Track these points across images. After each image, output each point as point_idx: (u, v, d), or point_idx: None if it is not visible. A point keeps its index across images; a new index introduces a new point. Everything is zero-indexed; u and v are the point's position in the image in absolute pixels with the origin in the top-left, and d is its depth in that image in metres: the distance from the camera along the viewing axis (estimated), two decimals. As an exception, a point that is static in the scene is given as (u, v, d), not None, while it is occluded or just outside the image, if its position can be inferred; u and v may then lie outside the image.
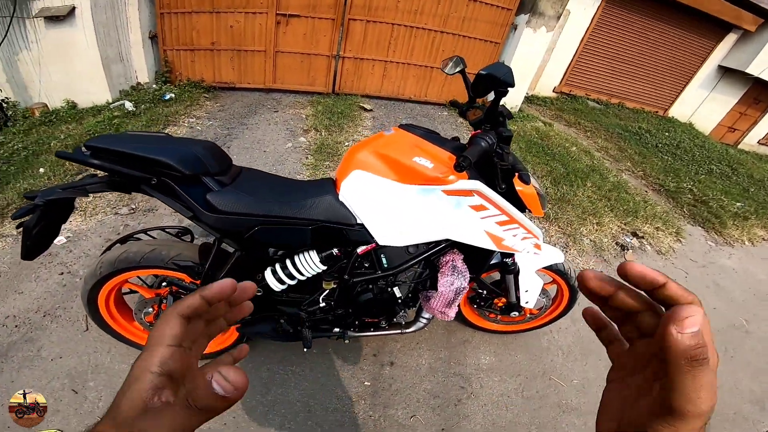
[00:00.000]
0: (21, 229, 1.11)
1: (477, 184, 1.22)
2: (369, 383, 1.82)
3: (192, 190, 1.17)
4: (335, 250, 1.33)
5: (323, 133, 3.99)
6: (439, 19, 4.89)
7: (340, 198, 1.27)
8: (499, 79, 1.03)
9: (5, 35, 3.53)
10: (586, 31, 6.38)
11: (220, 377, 0.29)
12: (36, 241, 1.15)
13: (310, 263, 1.32)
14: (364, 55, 5.00)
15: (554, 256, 1.70)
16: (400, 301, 1.50)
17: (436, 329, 2.12)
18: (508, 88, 1.07)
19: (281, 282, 1.35)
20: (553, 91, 6.92)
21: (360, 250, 1.35)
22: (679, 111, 7.79)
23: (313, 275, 1.36)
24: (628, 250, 3.12)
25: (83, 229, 2.47)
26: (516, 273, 1.65)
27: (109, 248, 1.54)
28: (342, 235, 1.30)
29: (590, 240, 3.11)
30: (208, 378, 0.29)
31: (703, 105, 7.65)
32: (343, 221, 1.27)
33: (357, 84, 5.22)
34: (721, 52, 7.09)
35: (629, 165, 4.92)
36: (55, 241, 2.31)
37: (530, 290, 1.69)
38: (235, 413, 1.62)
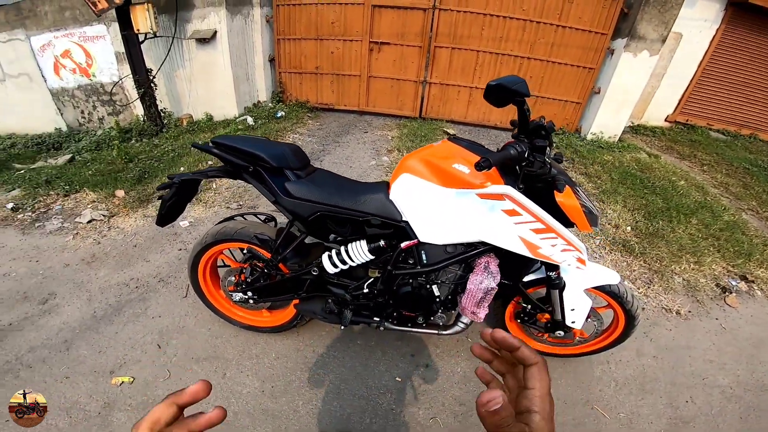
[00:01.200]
0: (160, 200, 1.61)
1: (507, 189, 1.32)
2: (400, 379, 1.92)
3: (276, 179, 1.53)
4: (382, 242, 1.53)
5: (404, 154, 4.24)
6: (525, 45, 4.88)
7: (390, 197, 1.49)
8: (509, 89, 1.13)
9: (168, 52, 4.59)
10: (705, 55, 5.66)
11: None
12: (168, 212, 1.64)
13: (360, 251, 1.53)
14: (450, 81, 5.20)
15: (607, 276, 1.64)
16: (438, 300, 1.62)
17: (478, 340, 2.13)
18: (524, 98, 1.18)
19: (334, 265, 1.59)
20: (666, 120, 6.19)
21: (403, 244, 1.51)
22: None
23: (362, 263, 1.56)
24: (731, 293, 2.69)
25: (202, 217, 3.08)
26: (561, 289, 1.63)
27: (220, 223, 1.98)
28: (388, 229, 1.50)
29: (683, 279, 2.77)
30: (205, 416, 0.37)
31: None
32: (390, 217, 1.48)
33: (443, 109, 5.43)
34: None
35: (754, 204, 4.17)
36: (181, 224, 2.97)
37: (577, 309, 1.65)
38: (274, 383, 1.85)
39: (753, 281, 2.83)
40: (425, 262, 1.56)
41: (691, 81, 5.83)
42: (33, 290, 2.32)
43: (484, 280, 1.47)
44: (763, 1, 5.06)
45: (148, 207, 3.18)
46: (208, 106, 5.04)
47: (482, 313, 1.54)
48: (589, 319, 1.74)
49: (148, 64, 4.46)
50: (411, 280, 1.60)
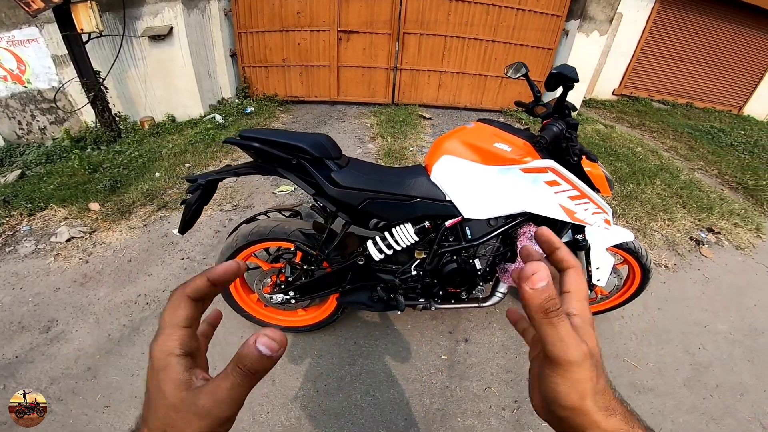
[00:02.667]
0: (184, 205, 1.50)
1: (550, 162, 1.44)
2: (446, 357, 1.97)
3: (320, 170, 1.48)
4: (427, 223, 1.57)
5: (389, 140, 4.29)
6: (489, 29, 5.07)
7: (432, 179, 1.53)
8: (567, 76, 1.30)
9: (118, 53, 4.19)
10: (643, 33, 6.25)
11: (266, 338, 0.30)
12: (192, 217, 1.53)
13: (405, 234, 1.55)
14: (420, 67, 5.28)
15: (624, 234, 1.81)
16: (479, 273, 1.68)
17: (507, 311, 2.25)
18: (575, 83, 1.32)
19: (381, 251, 1.59)
20: (613, 94, 6.78)
21: (448, 223, 1.56)
22: (755, 109, 7.28)
23: (408, 246, 1.58)
24: (703, 244, 3.04)
25: (197, 223, 2.87)
26: (587, 249, 1.75)
27: (236, 229, 1.86)
28: (434, 209, 1.53)
29: (662, 235, 3.09)
30: (252, 342, 0.30)
31: (781, 102, 7.09)
32: (435, 197, 1.52)
33: (415, 94, 5.51)
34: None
35: (702, 164, 4.71)
36: (174, 232, 2.78)
37: (602, 267, 1.78)
38: (326, 381, 1.83)
39: (719, 232, 3.22)
40: (469, 237, 1.61)
41: (632, 57, 6.41)
42: (28, 319, 2.09)
43: (533, 246, 1.57)
44: None
45: (131, 218, 2.93)
46: (168, 106, 4.69)
47: None
48: (610, 276, 1.89)
49: (95, 65, 4.04)
50: (455, 257, 1.65)
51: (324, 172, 1.48)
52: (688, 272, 2.75)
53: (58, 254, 2.57)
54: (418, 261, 1.66)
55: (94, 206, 3.01)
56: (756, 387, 1.98)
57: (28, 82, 4.48)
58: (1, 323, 2.04)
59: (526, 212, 1.55)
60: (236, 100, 5.23)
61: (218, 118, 4.62)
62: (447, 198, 1.52)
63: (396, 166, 1.83)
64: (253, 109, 4.97)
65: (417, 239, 1.57)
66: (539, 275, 0.29)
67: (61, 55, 4.18)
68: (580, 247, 1.75)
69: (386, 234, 1.59)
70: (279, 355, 0.30)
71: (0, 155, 4.34)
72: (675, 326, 2.26)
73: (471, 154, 1.48)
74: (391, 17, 4.91)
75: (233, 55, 5.14)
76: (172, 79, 4.50)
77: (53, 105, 4.50)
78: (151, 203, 3.09)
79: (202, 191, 1.47)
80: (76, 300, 2.23)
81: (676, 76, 6.78)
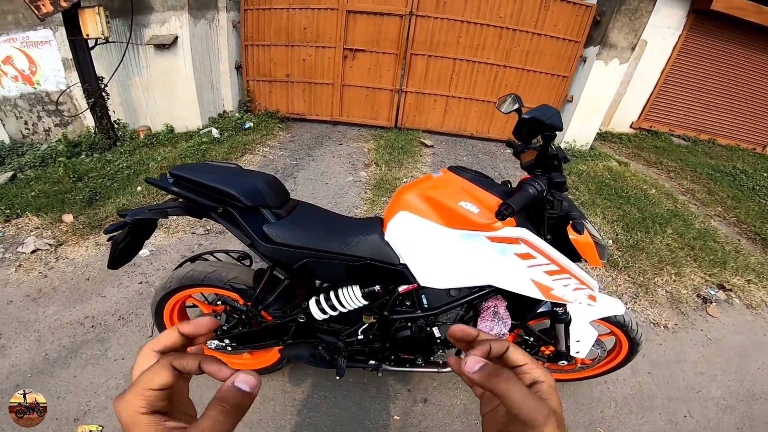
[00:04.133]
0: (111, 241, 1.34)
1: (523, 232, 1.21)
2: (398, 417, 1.83)
3: (251, 220, 1.31)
4: (377, 287, 1.39)
5: (383, 168, 4.16)
6: (501, 53, 4.92)
7: (386, 238, 1.32)
8: (545, 123, 1.03)
9: (122, 59, 4.23)
10: (668, 62, 5.96)
11: (243, 376, 0.33)
12: (121, 254, 1.37)
13: (352, 297, 1.39)
14: (426, 90, 5.16)
15: (613, 307, 1.59)
16: (438, 341, 1.51)
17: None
18: (556, 132, 1.07)
19: (323, 312, 1.43)
20: (631, 127, 6.47)
21: (401, 289, 1.38)
22: (781, 148, 6.82)
23: (354, 309, 1.42)
24: (711, 303, 2.79)
25: (165, 245, 2.81)
26: (567, 323, 1.57)
27: (180, 265, 1.75)
28: (385, 273, 1.34)
29: (666, 291, 2.85)
30: (231, 383, 0.33)
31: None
32: (387, 260, 1.31)
33: (419, 119, 5.38)
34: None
35: (720, 210, 4.39)
36: (140, 253, 2.69)
37: (582, 341, 1.60)
38: (264, 430, 1.72)
39: (730, 290, 2.94)
40: (426, 306, 1.43)
41: (654, 87, 6.13)
42: (-27, 331, 2.03)
43: (495, 326, 1.39)
44: (724, 7, 5.36)
45: (100, 234, 2.87)
46: (168, 116, 4.71)
47: None
48: (592, 348, 1.68)
49: (100, 71, 4.09)
50: (410, 324, 1.48)
51: (256, 224, 1.31)
52: (689, 333, 2.52)
53: (20, 265, 2.52)
54: (367, 325, 1.49)
55: (68, 218, 2.96)
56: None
57: (38, 84, 4.58)
58: (-57, 335, 1.99)
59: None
60: (237, 114, 5.21)
61: (214, 132, 4.59)
62: (401, 261, 1.31)
63: (352, 216, 1.70)
64: (252, 124, 4.93)
65: (365, 303, 1.40)
66: (471, 361, 0.35)
67: (70, 59, 4.23)
68: (559, 320, 1.56)
69: (331, 294, 1.42)
70: (256, 391, 0.34)
71: (3, 154, 4.41)
72: (663, 392, 2.09)
73: (431, 213, 1.25)
74: (399, 37, 4.84)
75: (239, 68, 5.15)
76: (172, 89, 4.51)
77: (58, 107, 4.58)
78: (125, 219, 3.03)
79: (129, 229, 1.32)
80: (24, 315, 2.16)
81: (699, 109, 6.44)
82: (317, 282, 1.47)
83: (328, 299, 1.42)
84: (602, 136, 6.15)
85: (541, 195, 1.16)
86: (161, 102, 4.62)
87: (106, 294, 2.36)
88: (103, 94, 4.12)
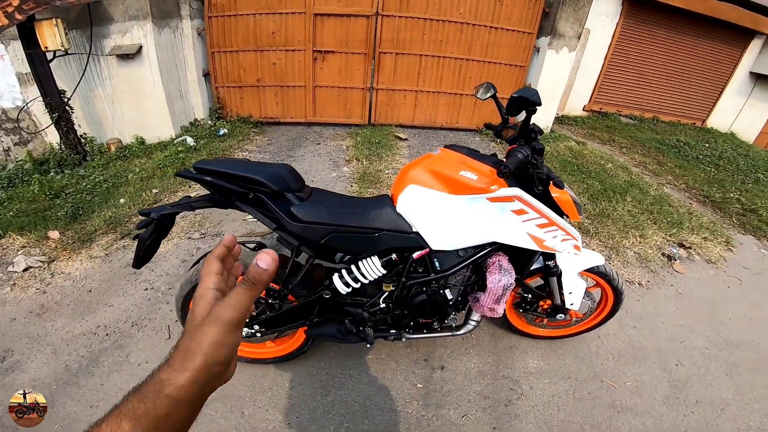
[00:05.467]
0: (136, 240, 1.42)
1: (517, 191, 1.43)
2: (421, 385, 1.94)
3: (279, 203, 1.43)
4: (394, 256, 1.54)
5: (364, 163, 4.30)
6: (463, 47, 5.21)
7: (398, 210, 1.50)
8: (529, 100, 1.27)
9: (84, 72, 4.08)
10: (609, 48, 6.53)
11: (263, 255, 0.42)
12: (146, 252, 1.45)
13: (372, 267, 1.53)
14: (396, 86, 5.36)
15: (594, 258, 1.84)
16: (450, 302, 1.67)
17: (482, 336, 2.24)
18: (537, 107, 1.32)
19: (347, 285, 1.57)
20: (584, 110, 7.02)
21: (415, 255, 1.54)
22: (718, 121, 7.67)
23: (375, 279, 1.56)
24: (675, 260, 3.12)
25: (163, 252, 2.81)
26: (559, 275, 1.78)
27: (198, 261, 1.83)
28: (400, 241, 1.51)
29: (634, 252, 3.15)
30: (254, 262, 0.42)
31: (742, 113, 7.51)
32: (401, 229, 1.49)
33: (391, 114, 5.57)
34: (750, 58, 7.05)
35: (670, 178, 4.89)
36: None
37: (574, 292, 1.80)
38: (298, 413, 1.79)
39: (690, 247, 3.33)
40: (438, 268, 1.60)
41: (600, 72, 6.69)
42: (-18, 350, 1.98)
43: (502, 278, 1.57)
44: None
45: (92, 247, 2.83)
46: (137, 128, 4.60)
47: (500, 308, 1.63)
48: (583, 299, 1.91)
49: (60, 85, 3.95)
50: (425, 288, 1.64)
51: (283, 206, 1.43)
52: (661, 288, 2.80)
53: (14, 284, 2.45)
54: (387, 293, 1.64)
55: (54, 234, 2.89)
56: (736, 401, 2.01)
57: None
58: (-49, 357, 1.93)
59: (494, 242, 1.55)
60: (209, 122, 5.17)
61: (189, 140, 4.55)
62: (414, 230, 1.50)
63: (361, 196, 1.85)
64: (227, 131, 4.92)
65: (384, 272, 1.54)
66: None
67: (26, 73, 4.03)
68: (551, 273, 1.77)
69: (352, 267, 1.56)
70: (273, 269, 0.42)
71: (-42, 178, 4.14)
72: (651, 343, 2.30)
73: (437, 184, 1.46)
74: (367, 37, 5.00)
75: (206, 75, 5.11)
76: (141, 100, 4.42)
77: (16, 125, 4.35)
78: (114, 231, 2.99)
79: (155, 226, 1.40)
80: (32, 331, 2.13)
81: (642, 90, 7.09)
82: (337, 257, 1.57)
83: (350, 272, 1.55)
84: (559, 120, 6.63)
85: (527, 159, 1.39)
86: (129, 114, 4.50)
87: (113, 303, 2.35)
88: (67, 108, 3.98)
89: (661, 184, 4.67)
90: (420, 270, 1.62)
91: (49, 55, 3.79)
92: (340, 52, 5.09)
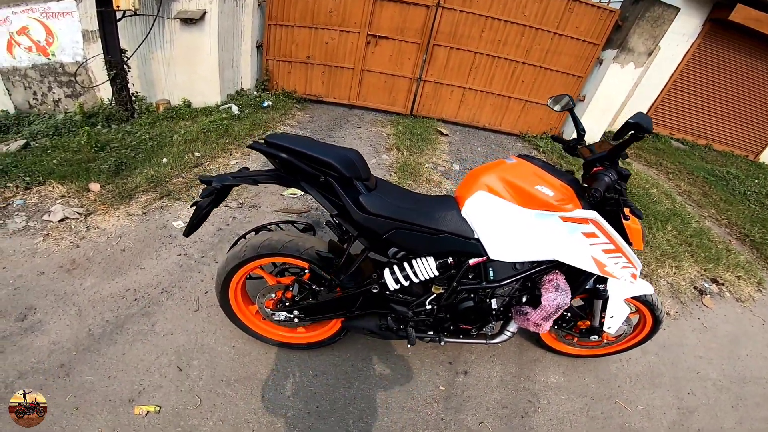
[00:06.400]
0: (194, 206, 1.38)
1: (593, 214, 1.35)
2: (443, 388, 1.88)
3: (348, 191, 1.34)
4: (450, 259, 1.47)
5: (405, 153, 4.11)
6: (521, 50, 4.89)
7: (463, 214, 1.42)
8: (643, 127, 1.18)
9: (148, 33, 4.02)
10: (677, 68, 6.03)
11: None
12: (200, 220, 1.42)
13: (426, 268, 1.45)
14: (445, 80, 5.10)
15: (644, 287, 1.73)
16: (494, 312, 1.58)
17: (509, 346, 2.16)
18: (646, 135, 1.23)
19: (397, 282, 1.48)
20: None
21: (471, 261, 1.46)
22: (771, 156, 7.05)
23: (426, 279, 1.47)
24: (706, 294, 2.95)
25: (198, 218, 2.71)
26: (606, 299, 1.69)
27: (243, 236, 1.77)
28: (460, 246, 1.42)
29: (667, 282, 2.97)
30: None
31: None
32: (463, 234, 1.41)
33: (434, 108, 5.33)
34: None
35: (713, 212, 4.52)
36: (175, 225, 2.59)
37: (616, 316, 1.71)
38: (318, 402, 1.71)
39: (722, 284, 3.11)
40: (491, 277, 1.50)
41: (661, 92, 6.20)
42: (5, 303, 1.90)
43: (558, 297, 1.49)
44: (742, 18, 5.41)
45: (131, 204, 2.75)
46: (187, 91, 4.51)
47: (547, 326, 1.56)
48: (621, 324, 1.79)
49: (123, 44, 3.87)
50: (472, 295, 1.56)
51: (352, 194, 1.35)
52: (687, 320, 2.68)
53: (48, 234, 2.39)
54: (435, 295, 1.55)
55: (95, 187, 2.82)
56: (736, 432, 1.97)
57: (53, 55, 4.31)
58: (-25, 306, 1.86)
59: (554, 260, 1.46)
60: (254, 93, 5.05)
61: (234, 108, 4.44)
62: (475, 236, 1.41)
63: (424, 193, 1.72)
64: (270, 103, 4.79)
65: (437, 274, 1.46)
66: None
67: (91, 31, 4.03)
68: (599, 296, 1.69)
69: (405, 264, 1.47)
70: None
71: (8, 123, 4.16)
72: (669, 371, 2.26)
73: (509, 194, 1.38)
74: (424, 27, 4.74)
75: (259, 47, 4.96)
76: (195, 65, 4.32)
77: (72, 79, 4.33)
78: (154, 190, 2.91)
79: (216, 195, 1.36)
80: (60, 288, 2.04)
81: (700, 115, 6.56)
82: (390, 252, 1.50)
83: (402, 269, 1.47)
84: (606, 136, 6.21)
85: (613, 184, 1.30)
86: (181, 77, 4.42)
87: (144, 266, 2.26)
88: (125, 67, 3.90)
89: (704, 217, 4.32)
90: (471, 276, 1.53)
91: (119, 15, 3.72)
92: (394, 38, 4.84)
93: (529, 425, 1.81)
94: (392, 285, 1.48)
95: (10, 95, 4.49)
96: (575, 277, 1.55)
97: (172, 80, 4.43)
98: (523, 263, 1.49)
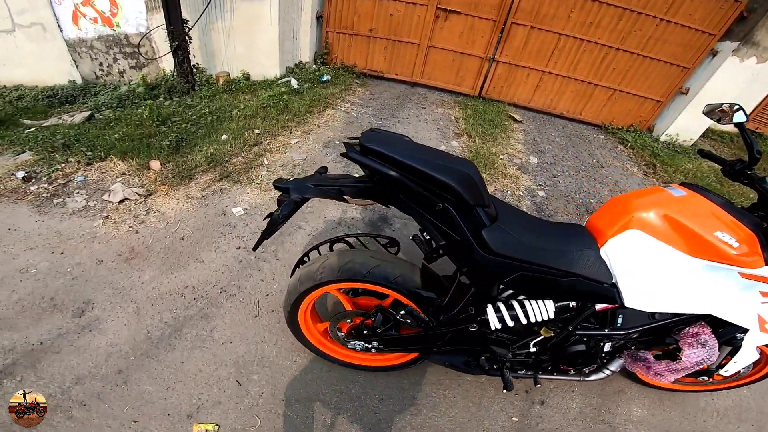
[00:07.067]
0: (267, 219, 1.11)
1: None
2: (517, 419, 1.66)
3: (468, 221, 1.03)
4: (573, 303, 1.21)
5: (477, 142, 3.67)
6: (617, 34, 4.18)
7: (602, 253, 1.13)
8: None
9: (209, 2, 3.75)
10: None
11: None
12: (272, 233, 1.13)
13: (542, 311, 1.18)
14: (521, 63, 4.51)
15: None
16: (604, 355, 1.36)
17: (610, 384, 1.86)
18: None
19: (501, 321, 1.20)
20: (735, 127, 5.62)
21: (599, 307, 1.20)
22: None
23: (538, 321, 1.20)
24: None
25: (258, 203, 2.48)
26: (738, 347, 1.37)
27: (316, 248, 1.50)
28: (589, 289, 1.13)
29: None
30: None
31: None
32: (598, 278, 1.11)
33: (506, 91, 4.78)
34: None
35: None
36: (234, 211, 2.36)
37: (740, 362, 1.42)
38: (383, 429, 1.53)
39: None
40: (619, 324, 1.23)
41: (772, 90, 5.21)
42: (62, 296, 1.76)
43: (703, 354, 1.24)
44: None
45: (190, 185, 2.55)
46: (246, 63, 4.25)
47: (672, 378, 1.31)
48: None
49: (185, 14, 3.63)
50: (585, 338, 1.30)
51: (472, 225, 1.02)
52: None
53: (107, 216, 2.23)
54: (542, 338, 1.29)
55: (155, 165, 2.64)
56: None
57: (117, 26, 4.16)
58: (31, 297, 1.73)
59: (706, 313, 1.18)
60: (313, 66, 4.73)
61: (293, 82, 4.14)
62: (612, 280, 1.12)
63: (550, 221, 1.36)
64: (330, 77, 4.46)
65: (552, 317, 1.19)
66: None
67: (153, 0, 3.81)
68: (734, 343, 1.36)
69: (514, 303, 1.19)
70: None
71: (75, 93, 4.12)
72: (757, 405, 1.96)
73: (676, 237, 1.07)
74: (502, 2, 4.14)
75: (319, 18, 4.59)
76: (255, 36, 4.04)
77: (136, 50, 4.18)
78: (214, 170, 2.69)
79: (294, 207, 1.06)
80: (118, 280, 1.88)
81: None
82: (497, 290, 1.22)
83: (511, 309, 1.20)
84: (704, 134, 5.37)
85: None
86: (241, 48, 4.15)
87: (203, 259, 2.05)
88: (186, 38, 3.67)
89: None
90: (592, 320, 1.26)
91: None
92: (466, 14, 4.29)
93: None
94: (495, 324, 1.21)
95: (77, 66, 4.43)
96: (717, 326, 1.27)
97: (231, 51, 4.18)
98: (664, 314, 1.20)
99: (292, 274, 1.54)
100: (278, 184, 1.07)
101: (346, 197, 1.06)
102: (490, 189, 3.01)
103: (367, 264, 1.21)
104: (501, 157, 3.47)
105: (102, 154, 2.68)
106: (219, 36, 4.10)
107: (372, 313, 1.34)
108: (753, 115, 5.52)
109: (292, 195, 1.04)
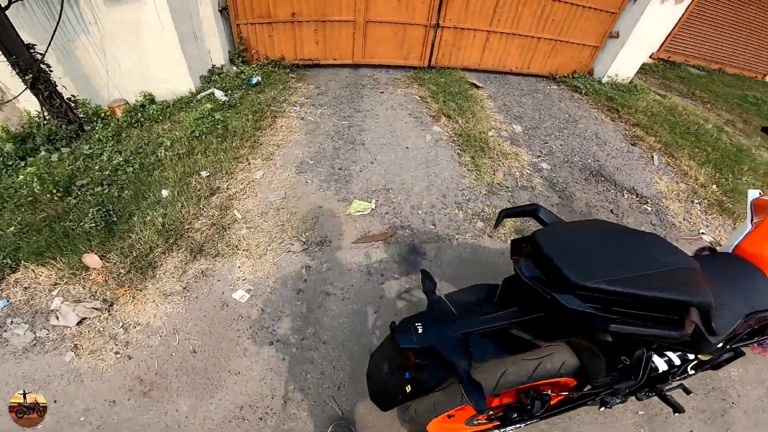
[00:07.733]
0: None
1: None
2: (642, 412, 1.73)
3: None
4: None
5: (460, 122, 3.61)
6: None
7: None
8: None
9: (59, 18, 2.89)
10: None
11: None
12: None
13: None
14: (466, 25, 4.49)
15: None
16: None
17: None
18: None
19: (669, 363, 1.29)
20: (650, 57, 6.54)
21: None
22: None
23: None
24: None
25: (260, 277, 2.10)
26: None
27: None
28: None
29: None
30: None
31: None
32: None
33: (456, 57, 4.76)
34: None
35: (759, 140, 4.59)
36: (237, 298, 1.96)
37: None
38: None
39: None
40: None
41: (678, 21, 6.12)
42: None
43: None
44: None
45: (157, 277, 2.03)
46: (143, 82, 3.48)
47: None
48: None
49: (25, 38, 2.74)
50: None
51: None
52: None
53: (76, 346, 1.73)
54: (698, 361, 1.37)
55: (92, 260, 2.04)
56: None
57: None
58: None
59: None
60: (233, 68, 4.09)
61: (218, 93, 3.55)
62: None
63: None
64: (260, 78, 3.92)
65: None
66: None
67: None
68: None
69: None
70: None
71: None
72: None
73: None
74: (437, -37, 4.00)
75: (223, 10, 3.93)
76: (142, 45, 3.29)
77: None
78: (177, 248, 2.18)
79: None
80: (152, 419, 1.52)
81: (714, 42, 6.73)
82: None
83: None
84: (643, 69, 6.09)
85: None
86: (129, 63, 3.36)
87: (238, 369, 1.71)
88: (42, 66, 2.82)
89: (756, 147, 4.36)
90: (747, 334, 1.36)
91: (3, 2, 2.59)
92: (402, -20, 4.05)
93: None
94: (663, 368, 1.30)
95: None
96: None
97: (115, 69, 3.37)
98: None
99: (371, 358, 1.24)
100: (397, 333, 0.96)
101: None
102: (501, 175, 3.00)
103: (527, 368, 1.07)
104: (490, 134, 3.47)
105: (9, 262, 1.99)
106: (88, 54, 3.25)
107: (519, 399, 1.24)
108: (664, 46, 6.41)
109: (422, 360, 0.94)
